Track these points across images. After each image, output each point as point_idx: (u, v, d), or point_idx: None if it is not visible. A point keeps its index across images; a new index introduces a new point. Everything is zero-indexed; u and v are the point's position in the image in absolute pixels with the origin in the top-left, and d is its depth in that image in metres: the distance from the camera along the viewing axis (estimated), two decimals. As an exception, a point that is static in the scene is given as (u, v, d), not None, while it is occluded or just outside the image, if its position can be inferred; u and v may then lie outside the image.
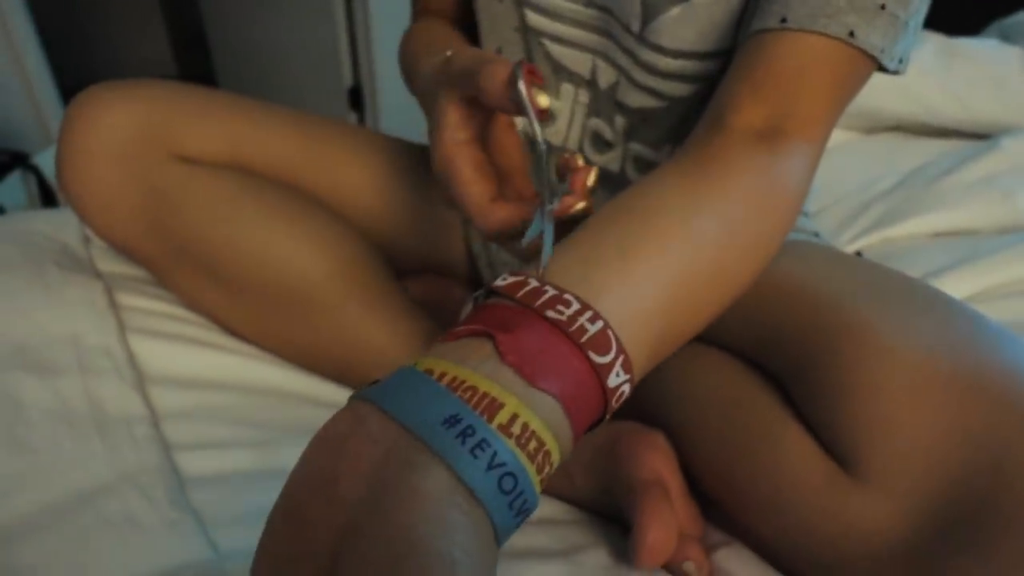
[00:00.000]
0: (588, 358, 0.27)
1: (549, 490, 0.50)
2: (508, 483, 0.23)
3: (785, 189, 0.39)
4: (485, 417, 0.24)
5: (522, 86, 0.33)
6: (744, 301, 0.45)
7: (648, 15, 0.49)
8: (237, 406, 0.55)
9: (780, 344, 0.42)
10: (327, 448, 0.24)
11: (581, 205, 0.34)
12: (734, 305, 0.46)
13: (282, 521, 0.24)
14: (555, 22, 0.55)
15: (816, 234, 0.60)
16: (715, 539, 0.45)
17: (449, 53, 0.42)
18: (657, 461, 0.44)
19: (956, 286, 0.75)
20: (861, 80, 0.42)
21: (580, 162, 0.35)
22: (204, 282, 0.58)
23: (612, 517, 0.47)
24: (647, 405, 0.52)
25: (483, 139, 0.39)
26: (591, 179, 0.34)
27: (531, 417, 0.24)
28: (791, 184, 0.39)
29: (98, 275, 0.64)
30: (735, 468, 0.42)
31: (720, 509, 0.45)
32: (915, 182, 0.97)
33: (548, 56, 0.57)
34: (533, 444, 0.24)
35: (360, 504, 0.22)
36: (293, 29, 1.94)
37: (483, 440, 0.23)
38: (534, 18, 0.56)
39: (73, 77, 0.86)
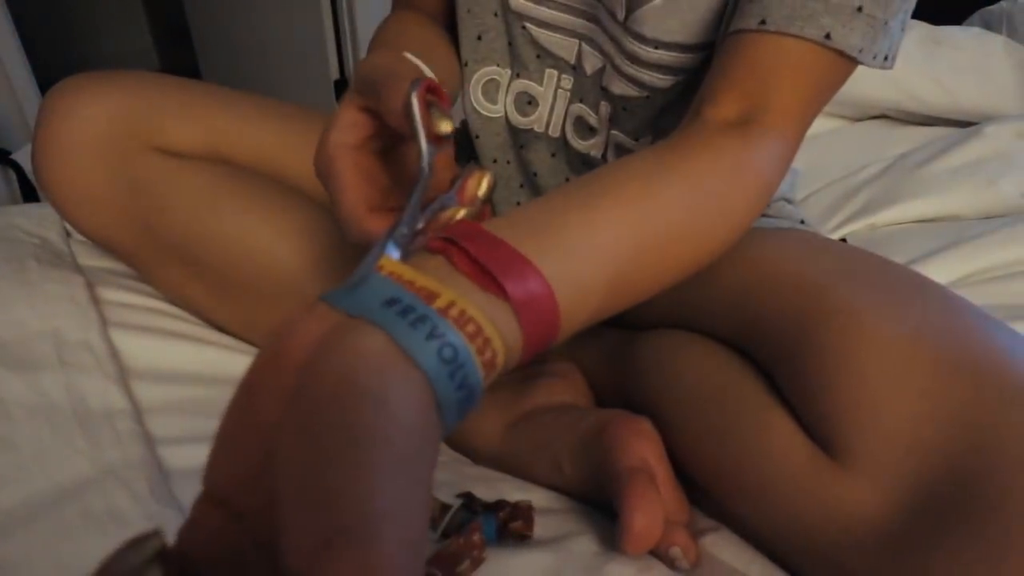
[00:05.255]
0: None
1: (538, 480, 0.50)
2: (448, 352, 0.24)
3: (753, 169, 0.40)
4: (424, 300, 0.25)
5: (416, 109, 0.31)
6: (730, 288, 0.46)
7: (632, 3, 0.49)
8: (220, 399, 0.53)
9: (765, 330, 0.43)
10: (278, 333, 0.25)
11: (462, 213, 0.32)
12: (720, 292, 0.46)
13: (235, 400, 0.25)
14: (540, 5, 0.55)
15: (802, 221, 0.61)
16: (702, 525, 0.45)
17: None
18: (644, 448, 0.44)
19: (940, 271, 0.75)
20: (839, 79, 0.43)
21: (476, 170, 0.34)
22: (186, 275, 0.57)
23: (600, 505, 0.47)
24: (634, 392, 0.52)
25: (390, 147, 0.38)
26: (483, 187, 0.33)
27: (468, 304, 0.25)
28: (759, 166, 0.40)
29: (79, 270, 0.63)
30: (721, 454, 0.42)
31: (706, 495, 0.45)
32: (900, 169, 0.98)
33: (533, 41, 0.57)
34: (471, 327, 0.25)
35: (302, 365, 0.23)
36: (278, 21, 1.92)
37: (423, 315, 0.24)
38: (517, 1, 0.55)
39: (53, 72, 0.85)
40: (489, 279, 0.27)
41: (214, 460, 0.25)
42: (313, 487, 0.20)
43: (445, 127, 0.32)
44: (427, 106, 0.32)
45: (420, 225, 0.30)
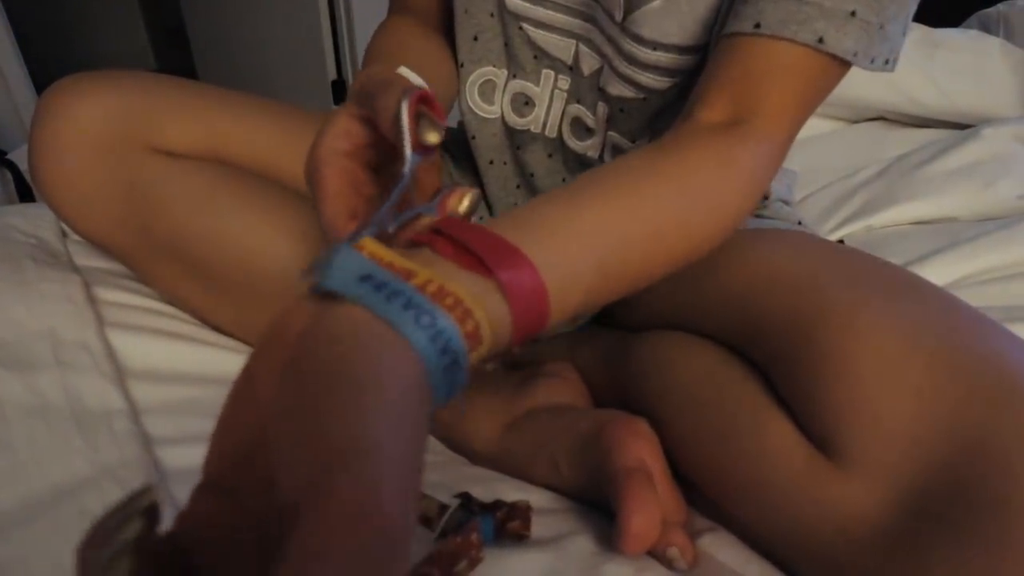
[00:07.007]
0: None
1: (535, 480, 0.50)
2: (426, 320, 0.24)
3: (742, 167, 0.41)
4: (400, 278, 0.25)
5: (404, 116, 0.31)
6: (727, 288, 0.46)
7: (631, 5, 0.49)
8: (217, 399, 0.53)
9: (762, 331, 0.43)
10: (271, 323, 0.26)
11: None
12: (717, 293, 0.47)
13: (235, 384, 0.25)
14: (536, 6, 0.55)
15: (799, 222, 0.61)
16: (699, 525, 0.45)
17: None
18: (641, 448, 0.44)
19: (937, 273, 0.75)
20: (832, 82, 0.44)
21: (460, 187, 0.34)
22: (182, 276, 0.57)
23: (598, 505, 0.47)
24: (632, 393, 0.52)
25: (387, 162, 0.38)
26: (464, 204, 0.33)
27: (446, 280, 0.26)
28: (749, 165, 0.41)
29: (75, 269, 0.63)
30: (718, 454, 0.42)
31: (704, 495, 0.45)
32: (898, 171, 0.98)
33: (529, 41, 0.57)
34: (450, 299, 0.25)
35: (293, 340, 0.24)
36: (275, 22, 1.92)
37: (398, 290, 0.25)
38: (514, 2, 0.56)
39: (50, 72, 0.85)
40: (475, 261, 0.27)
41: (214, 443, 0.25)
42: (306, 424, 0.21)
43: (433, 138, 0.32)
44: (417, 116, 0.32)
45: (391, 229, 0.30)
